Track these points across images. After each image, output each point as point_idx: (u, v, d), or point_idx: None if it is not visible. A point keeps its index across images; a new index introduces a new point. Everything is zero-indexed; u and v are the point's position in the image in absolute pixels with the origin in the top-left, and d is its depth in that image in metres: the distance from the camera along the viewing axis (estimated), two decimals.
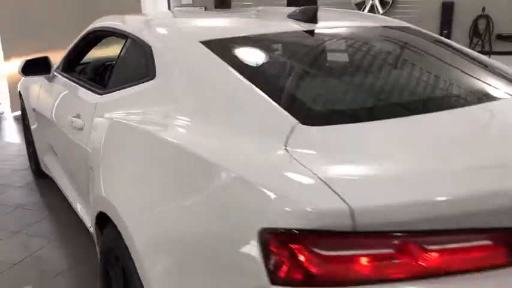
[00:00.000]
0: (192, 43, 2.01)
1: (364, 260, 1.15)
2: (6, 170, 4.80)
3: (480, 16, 7.58)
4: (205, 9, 9.15)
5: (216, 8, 9.25)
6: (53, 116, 3.14)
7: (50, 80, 3.40)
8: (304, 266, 1.15)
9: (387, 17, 2.94)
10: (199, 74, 1.87)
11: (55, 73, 3.35)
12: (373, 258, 1.16)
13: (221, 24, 2.61)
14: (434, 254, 1.17)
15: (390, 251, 1.16)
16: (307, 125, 1.50)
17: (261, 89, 1.67)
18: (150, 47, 2.16)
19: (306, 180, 1.23)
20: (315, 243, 1.14)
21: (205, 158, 1.47)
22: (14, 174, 4.66)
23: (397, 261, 1.16)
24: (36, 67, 3.29)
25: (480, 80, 2.10)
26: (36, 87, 3.69)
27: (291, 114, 1.54)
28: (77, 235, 3.27)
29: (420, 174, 1.27)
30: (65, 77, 3.17)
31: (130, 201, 1.72)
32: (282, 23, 2.42)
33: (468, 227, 1.19)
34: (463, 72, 2.18)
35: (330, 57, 2.22)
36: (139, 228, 1.61)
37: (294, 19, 2.37)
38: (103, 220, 1.92)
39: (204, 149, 1.52)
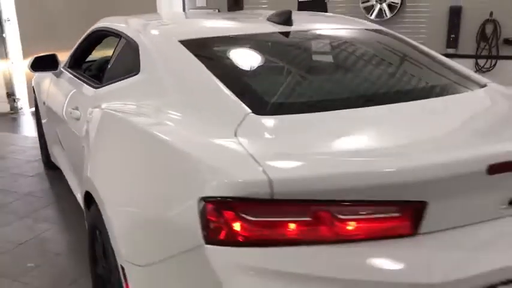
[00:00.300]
0: (172, 42, 2.23)
1: (282, 224, 1.35)
2: (21, 160, 5.11)
3: (487, 21, 7.64)
4: (219, 11, 9.41)
5: (229, 10, 9.49)
6: (58, 109, 3.40)
7: (58, 75, 3.67)
8: (232, 228, 1.35)
9: (365, 21, 3.10)
10: (175, 69, 2.09)
11: (62, 69, 3.61)
12: (290, 223, 1.35)
13: (203, 26, 2.82)
14: (345, 222, 1.36)
15: (305, 217, 1.36)
16: (259, 114, 1.71)
17: (225, 83, 1.89)
18: (138, 45, 2.39)
19: (241, 158, 1.44)
20: (241, 209, 1.35)
21: (166, 140, 1.69)
22: (27, 165, 4.96)
23: (311, 226, 1.36)
24: (44, 64, 3.55)
25: (428, 78, 2.29)
26: (47, 82, 3.97)
27: (246, 105, 1.76)
28: (79, 221, 3.52)
29: (336, 155, 1.48)
30: (70, 73, 3.43)
31: (107, 181, 1.95)
32: (260, 25, 2.62)
33: (375, 199, 1.38)
34: (413, 70, 2.37)
35: (294, 56, 2.41)
36: (113, 205, 1.85)
37: (271, 22, 2.56)
38: (90, 198, 2.16)
39: (167, 133, 1.74)
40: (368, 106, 1.83)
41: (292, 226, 1.36)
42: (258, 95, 1.90)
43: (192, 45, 2.17)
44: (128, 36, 2.57)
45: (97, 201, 1.98)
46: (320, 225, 1.37)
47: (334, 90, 2.08)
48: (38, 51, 6.18)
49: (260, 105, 1.78)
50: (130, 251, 1.71)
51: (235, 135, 1.60)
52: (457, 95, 2.07)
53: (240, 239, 1.36)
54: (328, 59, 2.44)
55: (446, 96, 2.04)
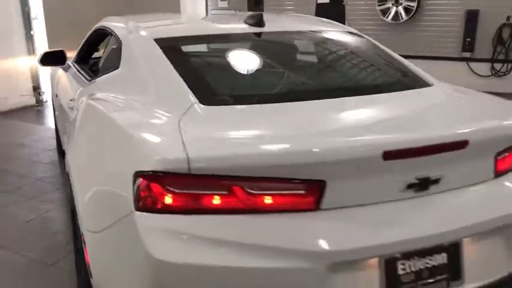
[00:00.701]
0: (148, 40, 2.47)
1: (201, 196, 1.57)
2: (38, 149, 5.50)
3: (504, 25, 7.61)
4: (240, 11, 9.67)
5: (249, 10, 9.74)
6: (63, 101, 3.72)
7: (66, 70, 3.99)
8: (157, 198, 1.58)
9: (336, 23, 3.23)
10: (145, 63, 2.33)
11: (70, 64, 3.93)
12: (207, 195, 1.57)
13: (184, 26, 3.05)
14: (256, 196, 1.57)
15: (221, 190, 1.57)
16: (204, 104, 1.94)
17: (182, 76, 2.11)
18: (121, 43, 2.65)
19: (172, 140, 1.66)
20: (165, 181, 1.57)
21: (118, 123, 1.94)
22: (43, 153, 5.34)
23: (226, 198, 1.57)
24: (52, 59, 3.88)
25: (375, 76, 2.47)
26: (58, 76, 4.32)
27: (196, 96, 1.98)
28: None
29: (254, 139, 1.68)
30: (75, 68, 3.74)
31: (76, 161, 2.23)
32: (235, 26, 2.82)
33: (281, 177, 1.58)
34: (363, 69, 2.55)
35: (253, 54, 2.62)
36: (78, 181, 2.12)
37: (246, 23, 2.76)
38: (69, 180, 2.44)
39: (120, 117, 1.99)
40: (304, 100, 2.02)
41: (209, 198, 1.58)
42: (208, 87, 2.13)
43: (164, 42, 2.41)
44: (116, 35, 2.83)
45: (70, 180, 2.25)
46: (234, 198, 1.57)
47: (278, 85, 2.28)
48: (63, 47, 6.59)
49: (207, 97, 2.00)
50: (87, 219, 1.97)
51: (179, 121, 1.83)
52: (395, 93, 2.24)
53: (164, 207, 1.58)
54: (287, 57, 2.64)
55: (385, 94, 2.21)
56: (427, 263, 1.74)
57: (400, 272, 1.70)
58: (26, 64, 7.25)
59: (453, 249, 1.78)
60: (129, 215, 1.62)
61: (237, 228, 1.57)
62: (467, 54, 8.05)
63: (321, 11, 9.01)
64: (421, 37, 8.30)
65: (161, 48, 2.34)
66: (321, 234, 1.60)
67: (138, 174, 1.61)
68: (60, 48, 3.92)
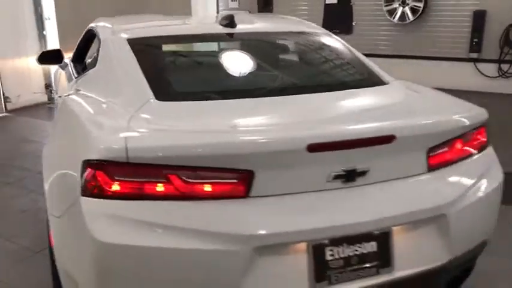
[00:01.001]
0: (121, 40, 2.62)
1: (139, 183, 1.71)
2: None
3: (511, 25, 7.56)
4: (250, 12, 9.79)
5: (259, 11, 9.87)
6: (58, 97, 3.94)
7: (63, 68, 4.20)
8: (101, 185, 1.72)
9: (310, 24, 3.31)
10: (115, 61, 2.48)
11: (67, 63, 4.13)
12: (145, 182, 1.71)
13: (162, 27, 3.17)
14: (191, 184, 1.70)
15: (159, 178, 1.70)
16: (159, 100, 2.08)
17: (145, 73, 2.26)
18: (101, 42, 2.82)
19: (118, 131, 1.80)
20: (108, 170, 1.71)
21: (77, 116, 2.11)
22: None
23: (164, 185, 1.70)
24: (50, 57, 4.08)
25: (332, 75, 2.57)
26: (58, 75, 4.53)
27: (153, 92, 2.13)
28: None
29: (190, 131, 1.81)
30: (70, 67, 3.93)
31: (46, 152, 2.42)
32: (208, 26, 2.95)
33: (213, 166, 1.71)
34: (321, 68, 2.65)
35: (218, 53, 2.75)
36: (45, 170, 2.30)
37: (220, 24, 2.88)
38: None
39: (81, 110, 2.16)
40: (252, 97, 2.15)
41: (148, 185, 1.70)
42: (166, 84, 2.26)
43: (135, 42, 2.55)
44: (98, 35, 3.00)
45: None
46: (171, 186, 1.70)
47: (232, 83, 2.41)
48: (74, 47, 6.83)
49: (163, 93, 2.14)
50: (50, 205, 2.14)
51: (132, 115, 1.98)
52: (345, 91, 2.35)
53: (106, 193, 1.70)
54: (249, 56, 2.76)
55: (334, 92, 2.32)
56: (356, 250, 1.84)
57: (329, 257, 1.81)
58: None
59: (383, 238, 1.87)
60: (77, 201, 1.77)
61: (173, 213, 1.70)
62: (474, 55, 8.00)
63: (329, 11, 9.09)
64: (427, 38, 8.28)
65: (132, 48, 2.49)
66: (249, 219, 1.72)
67: (85, 163, 1.75)
68: (57, 48, 4.12)
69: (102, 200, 1.72)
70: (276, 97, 2.19)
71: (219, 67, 2.62)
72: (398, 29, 8.47)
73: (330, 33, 3.04)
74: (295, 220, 1.76)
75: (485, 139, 2.22)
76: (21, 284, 2.95)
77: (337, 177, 1.82)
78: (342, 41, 2.97)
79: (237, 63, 2.66)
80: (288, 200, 1.79)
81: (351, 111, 2.16)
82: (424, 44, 8.32)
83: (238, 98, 2.16)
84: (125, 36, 2.64)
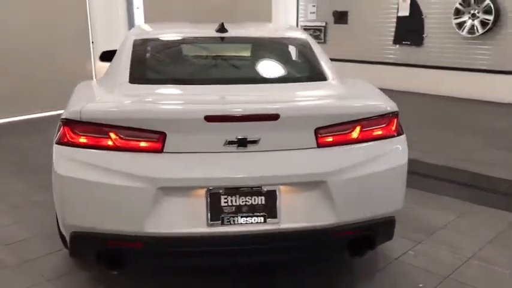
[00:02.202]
0: (130, 39, 3.34)
1: (89, 136, 2.40)
2: None
3: None
4: (326, 24, 10.27)
5: (335, 23, 10.31)
6: None
7: None
8: (65, 136, 2.44)
9: (295, 29, 3.78)
10: (119, 54, 3.21)
11: None
12: (92, 136, 2.39)
13: (168, 31, 3.77)
14: (124, 139, 2.35)
15: (100, 134, 2.37)
16: (131, 83, 2.78)
17: (132, 65, 2.97)
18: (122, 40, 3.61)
19: (85, 101, 2.51)
20: (73, 126, 2.42)
21: (75, 90, 2.89)
22: None
23: (104, 139, 2.37)
24: (109, 56, 4.99)
25: (278, 70, 3.09)
26: None
27: (129, 77, 2.83)
28: None
29: (129, 102, 2.48)
30: None
31: None
32: (204, 31, 3.53)
33: (140, 127, 2.31)
34: (277, 67, 3.17)
35: (198, 51, 3.37)
36: None
37: (214, 30, 3.47)
38: None
39: (82, 86, 2.93)
40: (199, 84, 2.77)
41: (95, 138, 2.34)
42: (141, 72, 2.93)
43: (139, 42, 3.26)
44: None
45: None
46: (109, 139, 2.37)
47: (193, 74, 3.05)
48: (153, 16, 7.69)
49: (136, 78, 2.78)
50: None
51: (110, 91, 2.71)
52: (283, 84, 2.92)
53: (68, 142, 2.37)
54: (224, 54, 3.37)
55: (272, 84, 2.91)
56: (247, 201, 2.35)
57: (223, 204, 2.34)
58: None
59: (270, 194, 2.34)
60: (52, 147, 2.52)
61: (109, 159, 2.34)
62: None
63: (401, 24, 9.26)
64: (496, 51, 8.14)
65: (133, 45, 3.20)
66: (160, 166, 2.32)
67: (61, 120, 2.50)
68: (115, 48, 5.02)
69: (64, 146, 2.43)
70: (218, 85, 2.78)
71: (192, 62, 3.27)
72: (467, 42, 8.42)
73: (308, 39, 3.44)
74: (195, 170, 2.33)
75: (392, 128, 2.59)
76: None
77: (231, 142, 2.33)
78: (315, 46, 3.33)
79: (208, 59, 3.29)
80: (192, 156, 2.35)
81: (260, 95, 2.68)
82: (493, 57, 8.18)
83: (188, 84, 2.79)
84: (133, 37, 3.35)
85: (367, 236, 2.56)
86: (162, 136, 2.32)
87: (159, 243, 2.32)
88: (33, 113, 7.36)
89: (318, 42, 10.77)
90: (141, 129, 2.33)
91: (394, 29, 9.33)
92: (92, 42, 7.96)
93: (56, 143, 2.46)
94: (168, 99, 2.65)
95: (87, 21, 7.92)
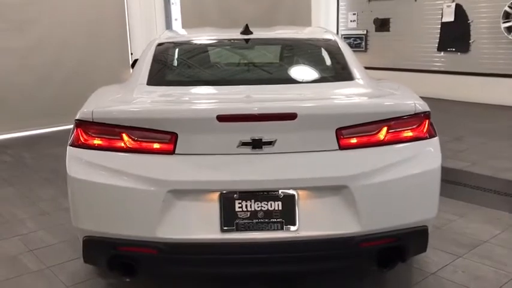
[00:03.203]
0: (154, 43, 3.29)
1: (101, 138, 2.32)
2: None
3: None
4: (367, 32, 10.05)
5: (376, 31, 10.04)
6: None
7: None
8: (79, 138, 2.37)
9: (322, 31, 3.56)
10: (143, 57, 3.15)
11: None
12: (104, 137, 2.31)
13: (192, 35, 3.72)
14: (136, 141, 2.26)
15: (112, 135, 2.29)
16: (148, 85, 2.71)
17: (152, 67, 2.90)
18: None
19: (100, 101, 2.46)
20: (85, 127, 2.36)
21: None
22: None
23: (116, 141, 2.28)
24: None
25: (305, 72, 2.93)
26: None
27: (148, 79, 2.76)
28: None
29: (143, 103, 2.39)
30: None
31: None
32: (230, 34, 3.41)
33: (151, 128, 2.22)
34: (303, 70, 3.02)
35: (219, 54, 3.25)
36: None
37: (239, 33, 3.36)
38: None
39: (104, 90, 2.88)
40: (217, 85, 2.69)
41: (107, 140, 2.25)
42: (159, 74, 2.84)
43: (161, 45, 3.20)
44: None
45: None
46: (122, 141, 2.28)
47: (215, 75, 2.96)
48: (191, 27, 7.78)
49: (154, 80, 2.74)
50: None
51: (127, 93, 2.64)
52: (308, 84, 2.78)
53: (81, 144, 2.30)
54: (247, 56, 3.24)
55: (297, 84, 2.79)
56: (263, 207, 2.19)
57: (237, 209, 2.19)
58: None
59: (288, 199, 2.18)
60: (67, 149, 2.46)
61: (122, 161, 2.26)
62: None
63: (445, 30, 8.89)
64: None
65: (156, 48, 3.14)
66: (170, 168, 2.21)
67: (75, 122, 2.44)
68: None
69: (76, 148, 2.36)
70: (238, 86, 2.66)
71: (214, 64, 3.16)
72: None
73: (336, 39, 3.27)
74: (207, 173, 2.19)
75: (423, 129, 2.37)
76: None
77: (245, 144, 2.18)
78: (344, 47, 3.15)
79: (231, 61, 3.18)
80: (204, 158, 2.22)
81: (277, 94, 2.52)
82: None
83: (207, 85, 2.69)
84: (157, 40, 3.30)
85: (396, 247, 2.35)
86: (173, 137, 2.22)
87: (171, 249, 2.20)
88: (72, 123, 7.48)
89: (359, 51, 10.54)
90: (152, 129, 2.24)
91: (438, 36, 8.96)
92: (131, 54, 8.06)
93: (70, 145, 2.40)
94: (181, 100, 2.54)
95: (127, 33, 8.03)
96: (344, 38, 10.53)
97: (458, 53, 8.77)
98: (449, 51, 8.88)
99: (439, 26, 8.95)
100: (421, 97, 2.50)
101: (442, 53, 9.04)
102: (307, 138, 2.23)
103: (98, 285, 2.87)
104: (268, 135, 2.19)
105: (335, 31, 10.74)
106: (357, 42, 10.22)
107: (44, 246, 3.41)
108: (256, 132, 2.19)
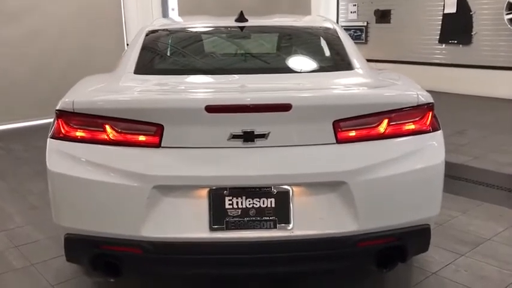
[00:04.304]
0: (142, 31, 3.11)
1: (82, 130, 2.17)
2: None
3: None
4: (367, 23, 9.88)
5: (376, 23, 9.87)
6: None
7: None
8: (64, 129, 2.21)
9: (325, 20, 3.39)
10: (132, 44, 2.99)
11: None
12: (87, 128, 2.16)
13: (184, 23, 3.56)
14: (119, 132, 2.11)
15: (94, 127, 2.14)
16: (134, 73, 2.56)
17: (140, 56, 2.75)
18: None
19: (93, 90, 2.30)
20: (66, 118, 2.20)
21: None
22: None
23: (98, 132, 2.14)
24: None
25: (300, 60, 2.78)
26: None
27: (135, 68, 2.61)
28: None
29: (126, 93, 2.24)
30: None
31: None
32: (225, 22, 3.27)
33: (134, 119, 2.07)
34: (298, 58, 2.87)
35: (212, 41, 3.10)
36: None
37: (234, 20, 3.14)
38: None
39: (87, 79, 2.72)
40: (204, 74, 2.56)
41: (88, 131, 2.10)
42: (146, 63, 2.68)
43: (151, 32, 3.02)
44: None
45: None
46: (104, 133, 2.13)
47: (205, 64, 2.80)
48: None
49: (141, 69, 2.59)
50: None
51: (112, 82, 2.49)
52: (304, 73, 2.62)
53: (60, 136, 2.16)
54: (239, 44, 3.08)
55: (292, 73, 2.61)
56: (255, 204, 2.06)
57: (227, 206, 2.05)
58: None
59: (282, 196, 2.05)
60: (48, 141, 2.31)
61: (104, 155, 2.11)
62: None
63: (447, 21, 8.73)
64: None
65: (146, 36, 2.98)
66: (155, 163, 2.06)
67: (55, 112, 2.29)
68: None
69: (57, 140, 2.21)
70: (229, 75, 2.51)
71: (205, 52, 3.00)
72: None
73: (336, 28, 3.12)
74: (195, 167, 2.05)
75: (427, 122, 2.23)
76: None
77: (236, 136, 2.03)
78: (343, 35, 3.00)
79: (223, 50, 3.04)
80: (193, 152, 2.08)
81: (271, 84, 2.37)
82: None
83: (197, 74, 2.56)
84: (147, 28, 3.13)
85: (397, 247, 2.21)
86: (159, 129, 2.07)
87: (157, 249, 2.06)
88: None
89: (359, 43, 10.36)
90: (136, 121, 2.09)
91: (439, 28, 8.80)
92: (127, 45, 7.91)
93: (50, 137, 2.25)
94: (168, 89, 2.38)
95: (122, 23, 7.88)
96: (344, 29, 10.37)
97: (460, 45, 8.62)
98: (451, 43, 8.73)
99: (441, 18, 8.79)
100: None
101: (443, 45, 8.88)
102: (302, 131, 2.09)
103: (84, 284, 2.75)
104: (261, 127, 2.05)
105: (335, 18, 10.57)
106: (357, 34, 10.05)
107: (29, 242, 3.28)
108: (248, 124, 2.04)
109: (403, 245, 2.22)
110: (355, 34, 10.04)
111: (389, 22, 9.63)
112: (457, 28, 8.54)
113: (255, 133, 2.05)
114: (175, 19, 3.64)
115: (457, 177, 4.42)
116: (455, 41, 8.64)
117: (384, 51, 9.60)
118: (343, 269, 2.64)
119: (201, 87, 2.37)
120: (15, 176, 4.77)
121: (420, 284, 2.70)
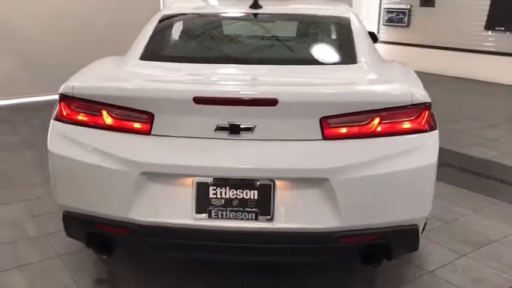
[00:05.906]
0: (158, 15, 3.17)
1: (81, 113, 2.27)
2: None
3: None
4: (411, 6, 9.57)
5: (420, 6, 9.52)
6: None
7: None
8: (65, 112, 2.32)
9: (343, 8, 3.25)
10: (143, 30, 3.07)
11: None
12: (85, 113, 2.26)
13: (199, 8, 3.57)
14: (114, 118, 2.18)
15: (93, 111, 2.23)
16: (141, 59, 2.63)
17: (149, 41, 2.81)
18: None
19: (95, 76, 2.40)
20: (67, 101, 2.31)
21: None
22: None
23: (96, 117, 2.23)
24: None
25: (306, 51, 2.77)
26: None
27: (142, 54, 2.68)
28: None
29: (126, 79, 2.31)
30: None
31: None
32: (239, 9, 3.22)
33: (128, 106, 2.15)
34: (306, 45, 2.87)
35: (223, 28, 3.10)
36: None
37: (249, 7, 3.10)
38: None
39: (95, 63, 2.80)
40: (209, 63, 2.58)
41: (87, 115, 2.20)
42: (154, 48, 2.73)
43: (166, 17, 3.08)
44: None
45: None
46: (101, 118, 2.22)
47: (211, 52, 2.83)
48: None
49: (148, 55, 2.67)
50: None
51: (117, 68, 2.58)
52: (304, 66, 2.59)
53: (62, 118, 2.27)
54: (252, 32, 3.07)
55: (290, 65, 2.58)
56: (238, 195, 2.10)
57: (211, 195, 2.11)
58: None
59: (264, 189, 2.07)
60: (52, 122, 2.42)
61: (99, 139, 2.20)
62: None
63: (496, 7, 8.31)
64: None
65: (160, 21, 3.04)
66: (144, 150, 2.13)
67: (58, 95, 2.39)
68: None
69: (58, 122, 2.32)
70: (229, 64, 2.54)
71: (215, 40, 3.01)
72: None
73: (350, 17, 3.03)
74: (181, 157, 2.10)
75: (422, 122, 2.18)
76: None
77: (222, 128, 2.07)
78: (356, 26, 2.91)
79: (232, 37, 3.03)
80: (180, 141, 2.13)
81: (261, 78, 2.36)
82: None
83: (201, 63, 2.59)
84: (164, 13, 3.17)
85: (381, 245, 2.22)
86: (150, 117, 2.14)
87: (143, 231, 2.16)
88: None
89: (401, 27, 10.06)
90: (129, 108, 2.17)
91: (487, 13, 8.40)
92: None
93: (53, 119, 2.37)
94: (162, 78, 2.44)
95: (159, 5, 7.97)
96: (386, 12, 10.07)
97: (507, 33, 8.21)
98: (498, 30, 8.33)
99: (489, 2, 8.38)
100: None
101: (489, 32, 8.50)
102: (288, 126, 2.10)
103: (89, 258, 2.89)
104: (247, 120, 2.08)
105: (377, 5, 10.28)
106: (400, 17, 9.75)
107: (45, 213, 3.46)
108: (234, 117, 2.08)
109: (387, 243, 2.22)
110: (398, 17, 9.75)
111: (433, 6, 9.27)
112: (505, 14, 8.13)
113: (241, 126, 2.08)
114: (191, 4, 3.63)
115: (477, 173, 4.29)
116: (503, 28, 8.24)
117: (426, 36, 9.28)
118: (329, 264, 2.68)
119: (196, 77, 2.41)
120: (45, 147, 4.99)
121: (414, 281, 2.69)
